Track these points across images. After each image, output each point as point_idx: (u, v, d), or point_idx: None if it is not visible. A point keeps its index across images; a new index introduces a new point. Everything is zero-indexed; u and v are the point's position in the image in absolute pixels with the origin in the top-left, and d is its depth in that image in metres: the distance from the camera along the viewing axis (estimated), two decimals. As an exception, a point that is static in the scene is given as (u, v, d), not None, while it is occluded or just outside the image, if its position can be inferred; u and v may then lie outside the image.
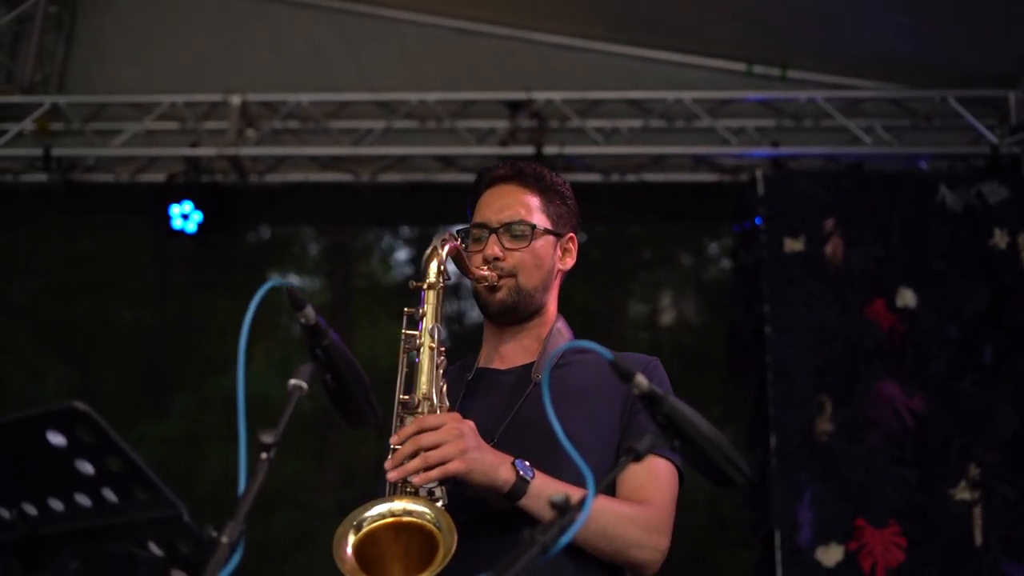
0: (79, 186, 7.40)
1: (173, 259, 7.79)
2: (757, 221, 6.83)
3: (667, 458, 2.85)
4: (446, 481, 2.72)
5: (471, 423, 2.72)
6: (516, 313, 3.04)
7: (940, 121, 7.09)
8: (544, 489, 2.68)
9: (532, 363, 3.04)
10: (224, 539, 1.81)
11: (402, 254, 8.08)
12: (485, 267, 3.00)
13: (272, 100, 7.24)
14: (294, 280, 8.20)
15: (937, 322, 6.55)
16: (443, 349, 2.88)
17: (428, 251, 2.91)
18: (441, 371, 2.85)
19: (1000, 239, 6.63)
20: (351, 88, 7.25)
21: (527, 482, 2.68)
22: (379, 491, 2.79)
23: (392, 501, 2.70)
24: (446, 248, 2.90)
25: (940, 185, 6.72)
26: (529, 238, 3.02)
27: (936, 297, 6.59)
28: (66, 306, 7.75)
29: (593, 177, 7.26)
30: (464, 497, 2.80)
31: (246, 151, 7.21)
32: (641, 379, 1.98)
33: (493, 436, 2.87)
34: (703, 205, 7.49)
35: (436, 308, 2.89)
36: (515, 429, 2.91)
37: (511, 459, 2.70)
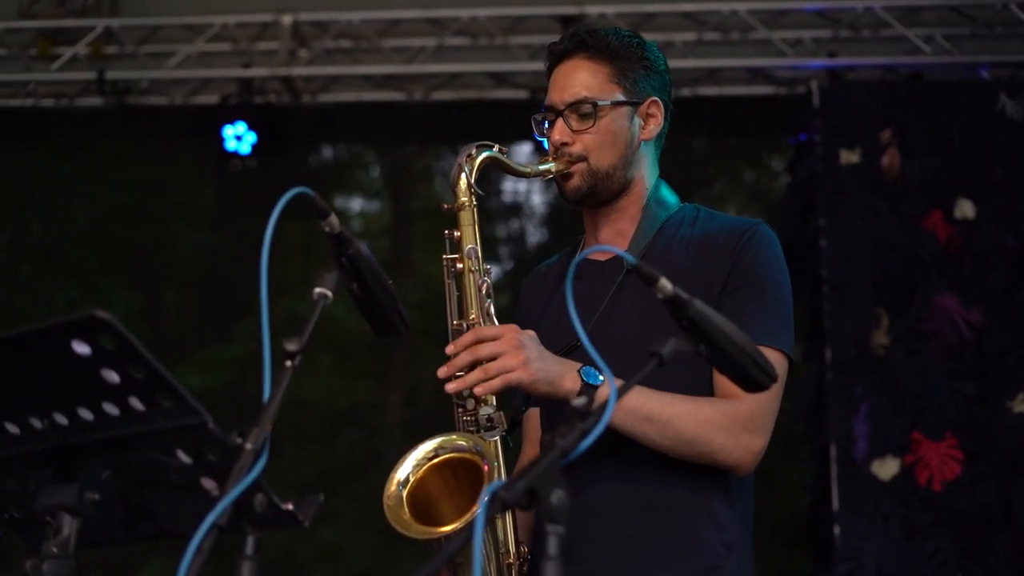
0: (134, 109, 7.42)
1: (232, 182, 7.82)
2: (813, 134, 6.75)
3: (771, 345, 2.70)
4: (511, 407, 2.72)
5: (531, 333, 2.68)
6: (596, 196, 2.93)
7: (1001, 28, 6.91)
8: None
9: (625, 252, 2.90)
10: (248, 446, 1.83)
11: (477, 175, 8.04)
12: (551, 157, 2.89)
13: (323, 19, 7.22)
14: (355, 202, 8.22)
15: (996, 233, 6.45)
16: (487, 269, 2.83)
17: (454, 170, 2.84)
18: (484, 292, 2.80)
19: (1061, 148, 6.52)
20: (402, 5, 7.20)
21: (594, 388, 2.59)
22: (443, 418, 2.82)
23: (420, 446, 2.73)
24: (476, 161, 2.83)
25: (1000, 94, 6.59)
26: (594, 117, 2.87)
27: (995, 208, 6.49)
28: (129, 231, 7.82)
29: (648, 92, 7.17)
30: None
31: (298, 71, 7.21)
32: (664, 283, 1.95)
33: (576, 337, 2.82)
34: (760, 119, 7.38)
35: (472, 228, 2.84)
36: (602, 327, 2.81)
37: (578, 367, 2.62)
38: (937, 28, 6.95)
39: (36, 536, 1.99)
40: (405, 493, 2.67)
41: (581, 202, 2.96)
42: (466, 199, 2.84)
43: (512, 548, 2.77)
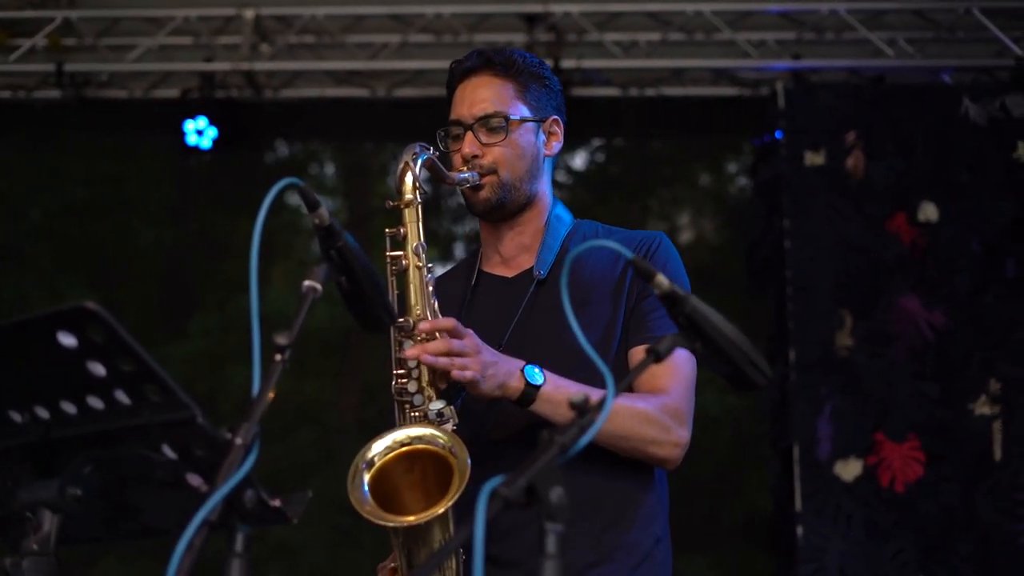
0: (93, 102, 7.32)
1: (191, 177, 7.76)
2: (777, 135, 6.77)
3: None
4: (454, 399, 2.73)
5: (472, 333, 2.71)
6: (504, 209, 2.98)
7: (964, 33, 6.95)
8: (555, 394, 2.68)
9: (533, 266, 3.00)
10: (238, 441, 1.79)
11: (421, 173, 8.00)
12: (465, 167, 2.94)
13: (286, 14, 7.15)
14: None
15: (959, 236, 6.51)
16: (430, 267, 2.85)
17: (400, 167, 2.87)
18: (431, 289, 2.83)
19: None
20: (366, 2, 7.15)
21: (536, 388, 2.68)
22: (391, 416, 2.83)
23: (398, 431, 2.72)
24: (419, 161, 2.85)
25: (963, 98, 6.64)
26: (506, 130, 2.94)
27: (958, 211, 6.54)
28: (86, 226, 7.73)
29: (611, 91, 7.18)
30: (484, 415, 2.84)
31: (260, 66, 7.14)
32: (662, 279, 1.94)
33: (500, 345, 2.86)
34: (723, 120, 7.41)
35: (417, 225, 2.85)
36: (518, 338, 2.90)
37: (523, 365, 2.70)
38: (900, 32, 6.97)
39: (15, 533, 1.95)
40: (369, 475, 2.66)
41: (489, 215, 3.01)
42: (412, 196, 2.86)
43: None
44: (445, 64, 7.46)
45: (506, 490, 1.67)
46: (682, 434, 2.81)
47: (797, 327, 6.50)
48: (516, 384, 2.68)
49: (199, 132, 7.05)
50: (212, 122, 7.05)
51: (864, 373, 6.39)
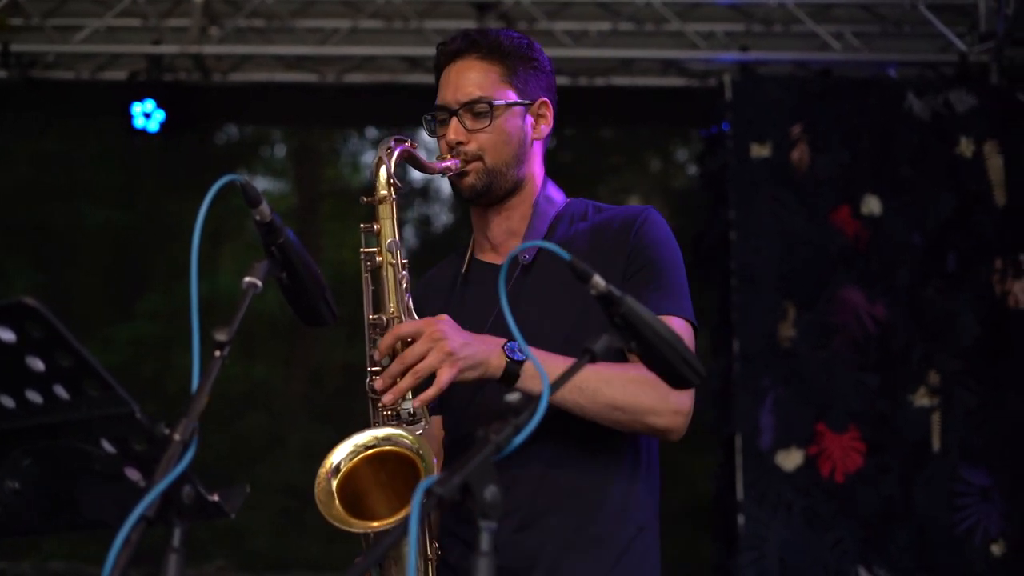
0: (39, 83, 7.27)
1: (139, 160, 7.71)
2: (724, 126, 6.82)
3: (679, 315, 2.79)
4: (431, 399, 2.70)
5: (446, 318, 2.66)
6: (490, 194, 2.93)
7: (910, 28, 7.04)
8: (544, 366, 2.60)
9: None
10: (176, 437, 1.80)
11: (369, 157, 8.01)
12: (448, 155, 2.89)
13: (236, -3, 7.14)
14: (261, 183, 8.14)
15: (902, 229, 6.58)
16: (405, 263, 2.79)
17: (374, 162, 2.82)
18: (404, 286, 2.78)
19: (966, 147, 6.65)
20: (317, -14, 7.14)
21: (520, 363, 2.63)
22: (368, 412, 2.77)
23: (361, 433, 2.68)
24: (395, 154, 2.80)
25: (908, 92, 6.72)
26: (490, 116, 2.88)
27: (901, 204, 6.61)
28: (33, 208, 7.68)
29: (561, 80, 7.07)
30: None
31: (209, 49, 7.11)
32: (598, 280, 1.96)
33: (483, 332, 2.81)
34: (671, 110, 7.46)
35: (392, 221, 2.80)
36: (502, 326, 2.74)
37: (502, 342, 2.66)
38: (847, 25, 7.05)
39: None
40: (336, 481, 2.64)
41: (475, 200, 2.97)
42: (386, 192, 2.80)
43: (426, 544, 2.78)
44: (395, 50, 7.51)
45: (440, 488, 1.69)
46: (682, 400, 2.72)
47: (741, 318, 6.55)
48: (497, 363, 2.63)
49: (147, 115, 7.02)
50: (160, 105, 7.02)
51: (806, 364, 6.46)
